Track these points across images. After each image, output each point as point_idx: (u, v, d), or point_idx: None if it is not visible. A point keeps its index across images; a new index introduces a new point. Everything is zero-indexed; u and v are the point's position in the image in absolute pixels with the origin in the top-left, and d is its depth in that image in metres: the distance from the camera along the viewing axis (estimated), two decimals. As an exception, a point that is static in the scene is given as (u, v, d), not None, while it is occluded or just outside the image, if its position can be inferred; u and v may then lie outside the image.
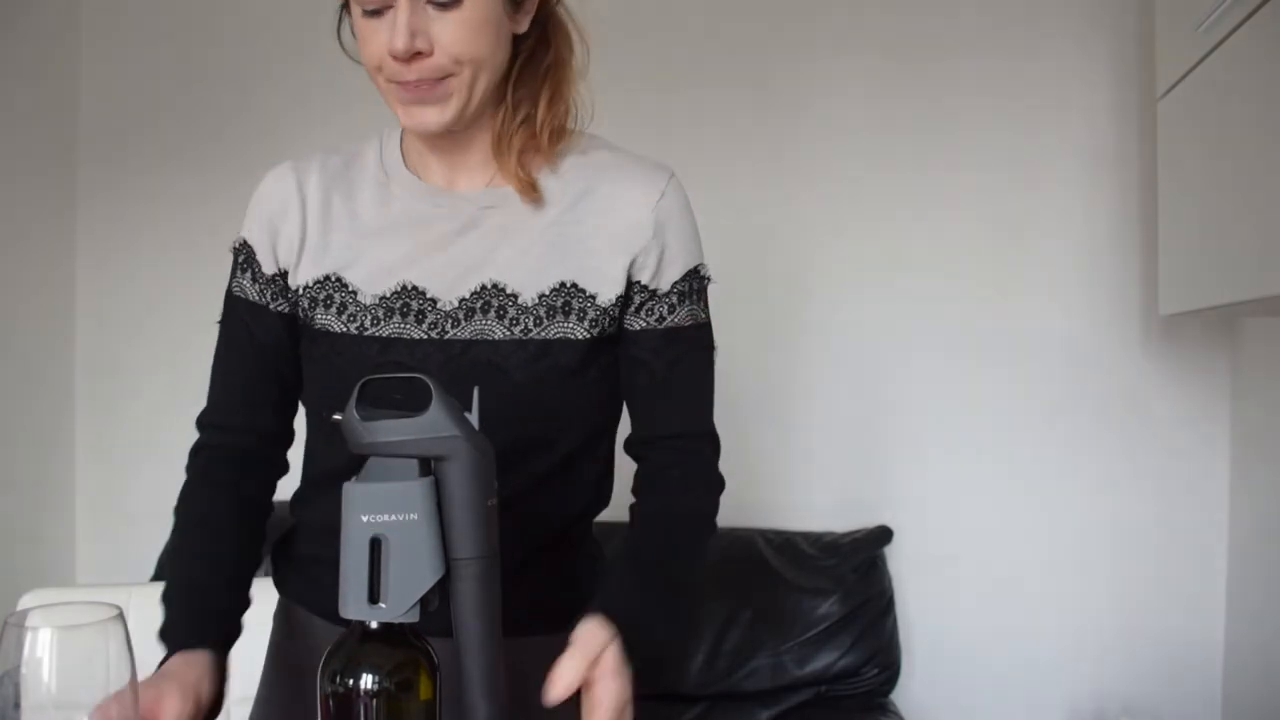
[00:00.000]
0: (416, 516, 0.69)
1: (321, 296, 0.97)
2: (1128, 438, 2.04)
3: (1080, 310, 2.07)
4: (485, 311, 0.95)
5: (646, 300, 0.98)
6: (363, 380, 0.73)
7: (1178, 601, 2.02)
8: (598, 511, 1.06)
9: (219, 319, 1.04)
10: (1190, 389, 2.03)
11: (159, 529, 2.30)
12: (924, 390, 2.11)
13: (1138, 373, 2.04)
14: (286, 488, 1.09)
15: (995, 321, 2.09)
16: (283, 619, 1.05)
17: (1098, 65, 2.06)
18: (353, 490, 0.69)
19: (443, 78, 0.88)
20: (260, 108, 2.29)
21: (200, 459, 1.04)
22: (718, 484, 1.07)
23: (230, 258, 1.04)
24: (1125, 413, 2.05)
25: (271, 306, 1.00)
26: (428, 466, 0.71)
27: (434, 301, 0.95)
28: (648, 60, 2.16)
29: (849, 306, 2.14)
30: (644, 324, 0.99)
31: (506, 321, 0.94)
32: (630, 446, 1.05)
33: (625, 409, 1.05)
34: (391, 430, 0.70)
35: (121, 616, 0.65)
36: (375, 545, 0.68)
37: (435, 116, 0.90)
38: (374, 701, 0.67)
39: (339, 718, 0.67)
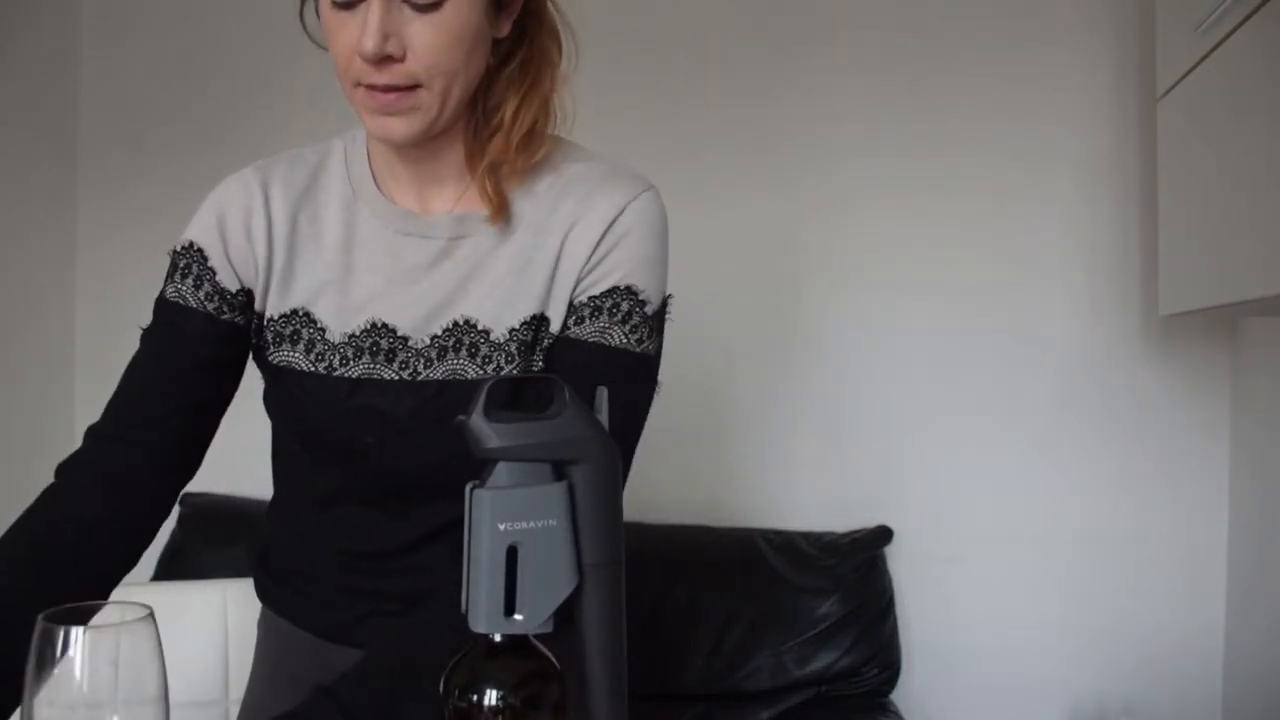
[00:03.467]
0: (556, 523, 0.65)
1: (288, 332, 0.92)
2: (1127, 438, 2.04)
3: (1080, 310, 2.07)
4: (457, 350, 0.90)
5: (565, 310, 0.91)
6: (491, 381, 0.68)
7: (1178, 601, 2.01)
8: None
9: (147, 327, 0.94)
10: (1190, 389, 2.03)
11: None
12: (924, 390, 2.11)
13: (1138, 373, 2.04)
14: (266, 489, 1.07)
15: (995, 321, 2.09)
16: (266, 626, 1.04)
17: (1098, 66, 2.06)
18: (484, 497, 0.64)
19: (412, 88, 0.81)
20: (262, 107, 2.29)
21: (64, 481, 0.91)
22: None
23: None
24: (1125, 413, 2.05)
25: (219, 316, 0.92)
26: (559, 470, 0.67)
27: (405, 340, 0.90)
28: (649, 75, 2.15)
29: (848, 306, 2.14)
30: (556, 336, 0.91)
31: (479, 360, 0.90)
32: None
33: None
34: (528, 433, 0.66)
35: (153, 616, 0.64)
36: (511, 554, 0.64)
37: (402, 128, 0.84)
38: (504, 718, 0.64)
39: None
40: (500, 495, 0.65)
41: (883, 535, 2.06)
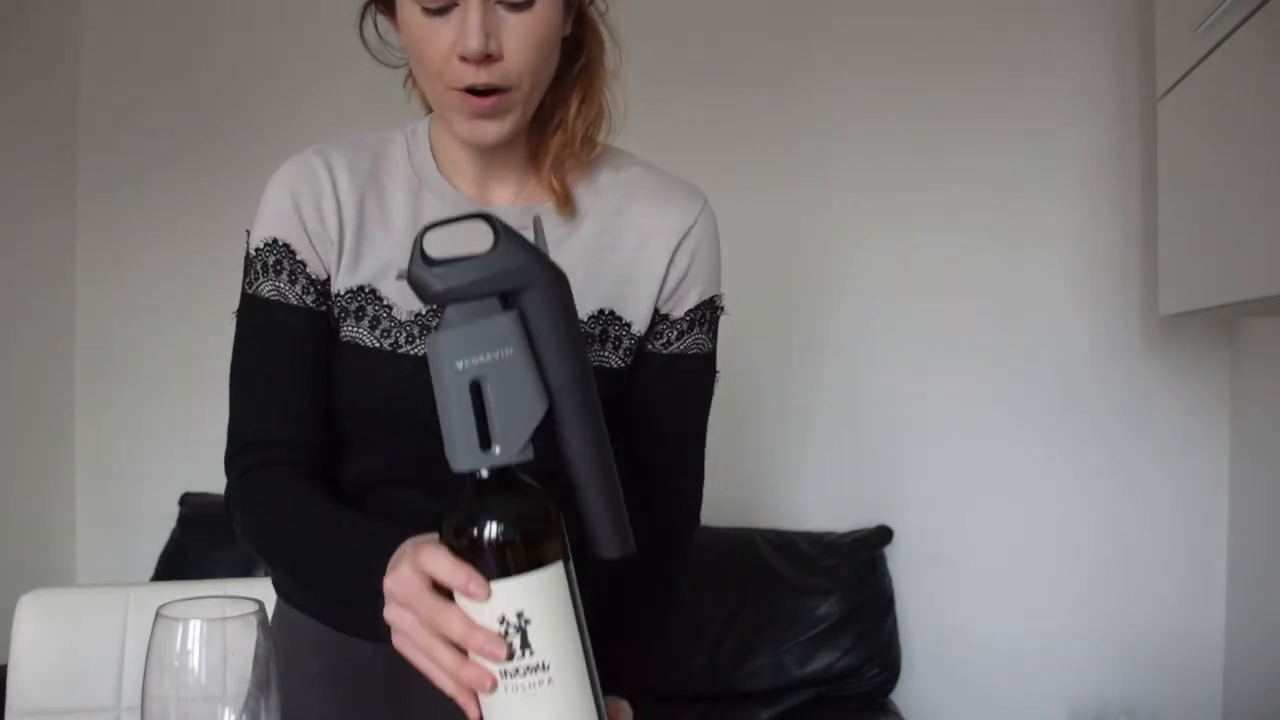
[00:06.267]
0: (512, 351, 0.65)
1: (353, 308, 0.93)
2: (1128, 438, 2.04)
3: (1080, 310, 2.07)
4: None
5: (657, 324, 0.97)
6: (423, 228, 0.69)
7: (1178, 601, 2.02)
8: None
9: (245, 330, 0.93)
10: (1190, 389, 2.03)
11: (159, 529, 2.31)
12: (924, 390, 2.11)
13: (1138, 373, 2.04)
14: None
15: (995, 321, 2.09)
16: (277, 622, 1.04)
17: (1098, 65, 2.07)
18: (439, 340, 0.65)
19: (506, 90, 0.85)
20: (260, 107, 2.29)
21: (251, 483, 0.90)
22: (690, 527, 1.02)
23: (241, 241, 0.95)
24: (1125, 413, 2.05)
25: (318, 309, 0.93)
26: (507, 302, 0.67)
27: None
28: (651, 73, 2.14)
29: (848, 307, 2.14)
30: (650, 347, 0.98)
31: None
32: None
33: None
34: (468, 271, 0.66)
35: (264, 610, 0.66)
36: (476, 390, 0.65)
37: (494, 131, 0.87)
38: (507, 551, 0.64)
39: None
40: (452, 334, 0.65)
41: (883, 535, 2.07)
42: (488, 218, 0.69)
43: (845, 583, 1.98)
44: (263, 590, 1.00)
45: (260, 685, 0.65)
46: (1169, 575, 2.02)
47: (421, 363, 0.91)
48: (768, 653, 1.95)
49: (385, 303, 0.93)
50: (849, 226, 2.14)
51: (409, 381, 0.91)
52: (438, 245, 0.92)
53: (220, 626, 0.64)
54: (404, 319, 0.92)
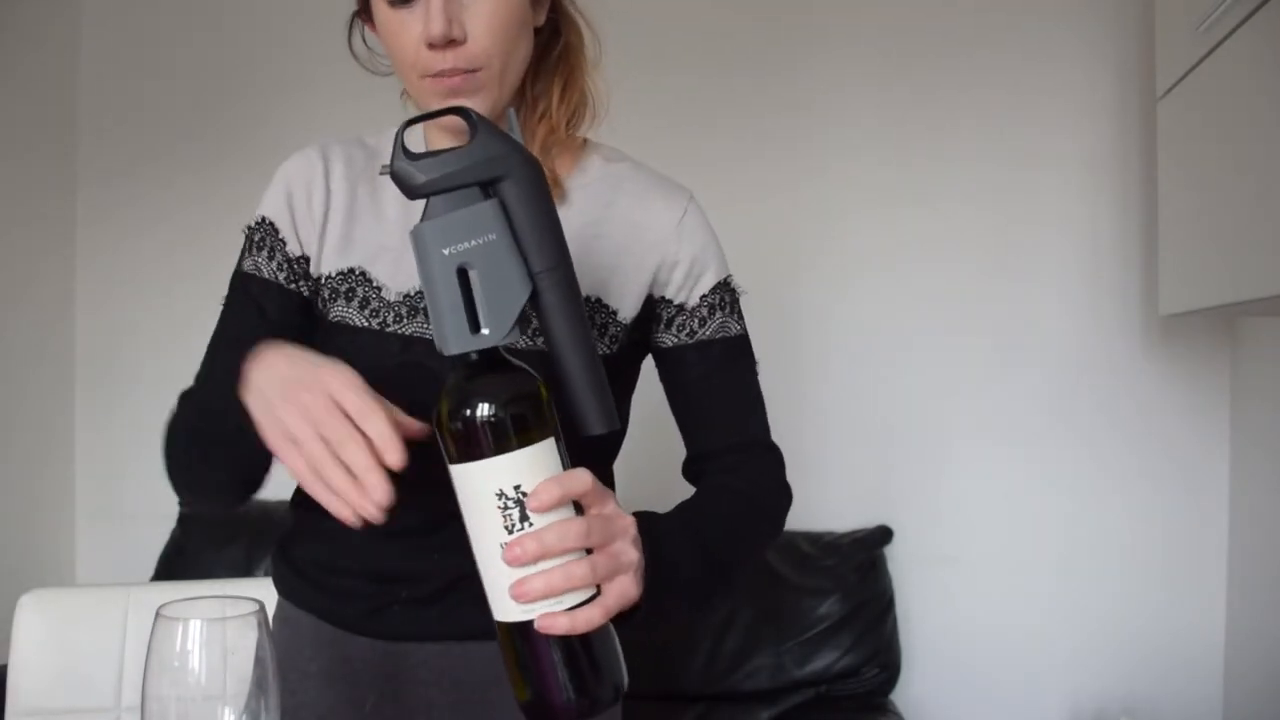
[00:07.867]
0: (495, 236, 0.69)
1: (344, 289, 0.96)
2: (1128, 438, 2.04)
3: (1080, 310, 2.07)
4: None
5: (676, 315, 0.99)
6: (404, 123, 0.72)
7: (1178, 601, 2.02)
8: None
9: (226, 301, 0.99)
10: (1190, 389, 2.03)
11: (159, 529, 2.31)
12: (924, 389, 2.11)
13: (1138, 373, 2.04)
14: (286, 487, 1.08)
15: (995, 322, 2.09)
16: (277, 621, 1.04)
17: (1098, 65, 2.07)
18: (424, 229, 0.68)
19: (474, 70, 0.88)
20: (259, 104, 2.29)
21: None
22: (785, 489, 1.03)
23: (239, 239, 0.99)
24: (1125, 413, 2.05)
25: (288, 286, 0.97)
26: (486, 192, 0.70)
27: None
28: (651, 81, 2.13)
29: (849, 307, 2.14)
30: (675, 339, 1.00)
31: (530, 332, 0.93)
32: (687, 470, 1.03)
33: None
34: (448, 162, 0.69)
35: (264, 610, 0.66)
36: (463, 275, 0.68)
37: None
38: (500, 428, 0.67)
39: (467, 453, 0.67)
40: (437, 224, 0.69)
41: (883, 535, 2.07)
42: (465, 111, 0.72)
43: (845, 583, 1.98)
44: (263, 590, 1.00)
45: (260, 685, 0.65)
46: (1169, 575, 2.02)
47: (408, 342, 0.94)
48: (767, 653, 1.95)
49: (375, 284, 0.95)
50: (850, 228, 2.14)
51: (397, 360, 0.93)
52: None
53: (220, 626, 0.64)
54: (393, 299, 0.95)
